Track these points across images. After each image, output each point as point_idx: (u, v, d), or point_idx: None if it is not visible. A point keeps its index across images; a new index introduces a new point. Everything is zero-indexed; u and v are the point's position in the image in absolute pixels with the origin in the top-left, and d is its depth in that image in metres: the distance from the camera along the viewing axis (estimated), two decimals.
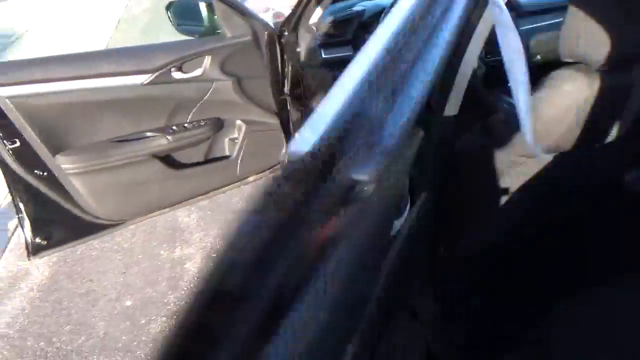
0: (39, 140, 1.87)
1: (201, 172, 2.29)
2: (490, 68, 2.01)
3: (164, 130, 2.10)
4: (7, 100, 1.76)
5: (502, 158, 1.19)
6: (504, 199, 1.28)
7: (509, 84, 2.20)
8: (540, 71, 2.02)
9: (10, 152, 1.86)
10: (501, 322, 1.46)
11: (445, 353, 1.37)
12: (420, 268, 1.39)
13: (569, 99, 1.07)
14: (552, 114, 1.08)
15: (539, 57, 2.20)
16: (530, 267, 1.61)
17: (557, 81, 1.11)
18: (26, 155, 1.89)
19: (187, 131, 2.13)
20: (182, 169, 2.23)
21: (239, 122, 2.27)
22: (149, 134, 2.08)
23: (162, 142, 2.09)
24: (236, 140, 2.29)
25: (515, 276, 1.61)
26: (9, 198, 2.01)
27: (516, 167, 1.20)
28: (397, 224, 1.08)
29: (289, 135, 2.33)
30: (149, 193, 2.19)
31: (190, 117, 2.16)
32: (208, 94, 2.13)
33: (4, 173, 1.93)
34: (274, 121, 2.31)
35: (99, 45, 5.44)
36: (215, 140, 2.29)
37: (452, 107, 1.13)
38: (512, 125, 1.18)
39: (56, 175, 1.97)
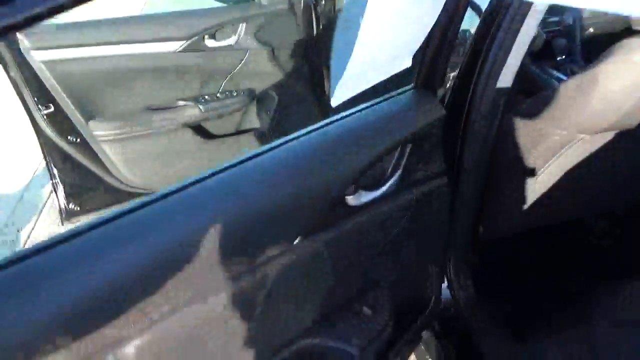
0: (72, 106, 1.86)
1: (232, 143, 2.25)
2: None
3: (196, 100, 2.06)
4: (42, 64, 1.75)
5: (556, 135, 1.11)
6: (556, 178, 1.20)
7: (558, 58, 2.07)
8: (593, 44, 1.91)
9: (45, 117, 1.85)
10: (542, 301, 1.40)
11: (483, 332, 1.32)
12: (433, 250, 1.31)
13: (638, 71, 0.97)
14: (617, 87, 0.99)
15: (592, 29, 2.06)
16: (577, 247, 1.54)
17: (625, 51, 1.01)
18: (60, 120, 1.88)
19: (219, 101, 2.09)
20: (214, 140, 2.20)
21: (271, 93, 2.22)
22: (181, 103, 2.05)
23: (195, 112, 2.06)
24: (268, 112, 2.25)
25: (562, 257, 1.54)
26: (44, 163, 2.02)
27: (572, 145, 1.11)
28: (368, 195, 1.01)
29: (324, 107, 2.26)
30: (180, 162, 2.17)
31: (222, 87, 2.12)
32: (241, 64, 2.08)
33: (38, 138, 1.93)
34: (309, 92, 2.25)
35: (132, 12, 5.42)
36: (247, 112, 2.24)
37: (506, 79, 1.05)
38: (568, 100, 1.09)
39: (89, 142, 1.97)
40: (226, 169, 0.85)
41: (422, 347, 1.47)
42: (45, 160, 1.99)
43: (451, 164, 1.22)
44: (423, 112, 1.05)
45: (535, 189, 1.25)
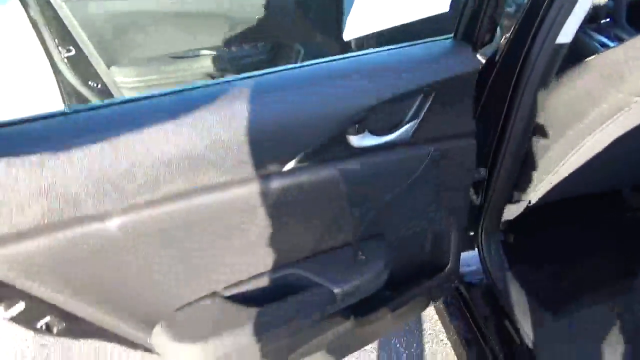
0: (94, 51, 1.80)
1: None
2: None
3: (219, 49, 1.99)
4: (63, 4, 1.67)
5: (613, 98, 1.05)
6: (602, 145, 1.14)
7: (602, 21, 1.97)
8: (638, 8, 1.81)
9: (65, 60, 1.80)
10: (576, 273, 1.38)
11: (515, 302, 1.30)
12: (452, 214, 1.27)
13: None
14: None
15: None
16: (612, 219, 1.50)
17: None
18: (81, 65, 1.83)
19: (243, 52, 2.02)
20: None
21: (297, 46, 2.14)
22: (204, 52, 1.98)
23: (217, 62, 1.99)
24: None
25: (597, 228, 1.51)
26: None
27: (627, 111, 1.05)
28: (373, 139, 0.96)
29: None
30: None
31: (247, 36, 2.04)
32: (267, 12, 2.00)
33: (57, 82, 1.88)
34: (335, 46, 2.16)
35: None
36: (271, 63, 2.17)
37: (567, 33, 0.98)
38: (630, 60, 1.03)
39: (110, 88, 1.92)
40: (235, 80, 0.86)
41: (447, 317, 1.46)
42: (64, 105, 1.94)
43: (495, 126, 1.17)
44: (453, 63, 0.97)
45: (579, 155, 1.20)
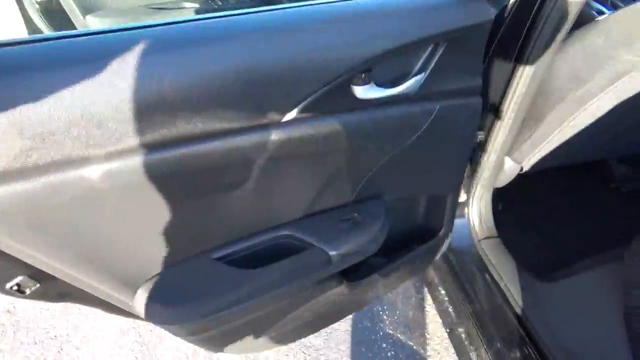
0: None
1: None
2: None
3: (203, 1, 1.89)
4: None
5: (623, 60, 1.01)
6: (603, 111, 1.12)
7: None
8: None
9: (37, 6, 1.67)
10: (562, 240, 1.38)
11: (502, 268, 1.30)
12: (449, 178, 1.23)
13: None
14: None
15: None
16: (598, 190, 1.50)
17: None
18: (54, 11, 1.71)
19: (228, 4, 1.92)
20: None
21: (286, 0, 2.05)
22: (187, 3, 1.87)
23: (201, 15, 1.89)
24: None
25: (582, 199, 1.51)
26: None
27: (633, 74, 1.03)
28: (379, 91, 0.90)
29: None
30: None
31: None
32: None
33: (27, 31, 1.76)
34: None
35: None
36: None
37: None
38: (633, 22, 0.99)
39: None
40: (233, 16, 0.78)
41: (436, 280, 1.45)
42: None
43: (497, 88, 1.13)
44: (466, 12, 0.90)
45: (576, 123, 1.18)
